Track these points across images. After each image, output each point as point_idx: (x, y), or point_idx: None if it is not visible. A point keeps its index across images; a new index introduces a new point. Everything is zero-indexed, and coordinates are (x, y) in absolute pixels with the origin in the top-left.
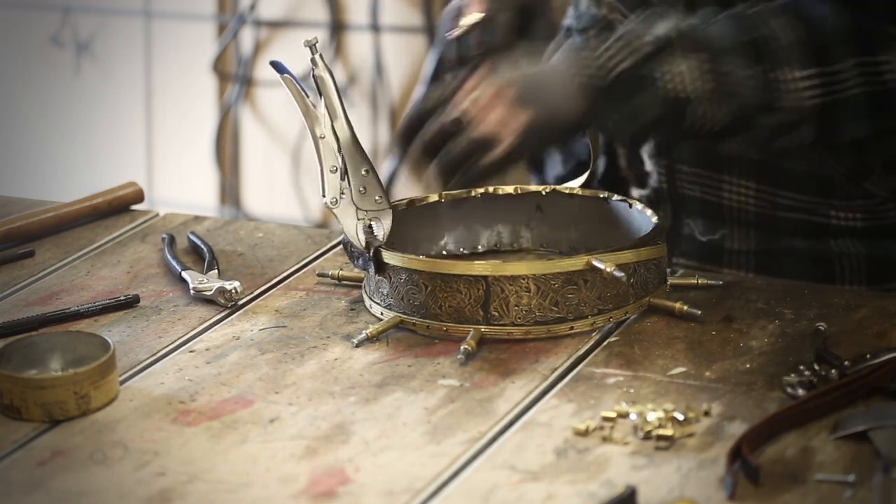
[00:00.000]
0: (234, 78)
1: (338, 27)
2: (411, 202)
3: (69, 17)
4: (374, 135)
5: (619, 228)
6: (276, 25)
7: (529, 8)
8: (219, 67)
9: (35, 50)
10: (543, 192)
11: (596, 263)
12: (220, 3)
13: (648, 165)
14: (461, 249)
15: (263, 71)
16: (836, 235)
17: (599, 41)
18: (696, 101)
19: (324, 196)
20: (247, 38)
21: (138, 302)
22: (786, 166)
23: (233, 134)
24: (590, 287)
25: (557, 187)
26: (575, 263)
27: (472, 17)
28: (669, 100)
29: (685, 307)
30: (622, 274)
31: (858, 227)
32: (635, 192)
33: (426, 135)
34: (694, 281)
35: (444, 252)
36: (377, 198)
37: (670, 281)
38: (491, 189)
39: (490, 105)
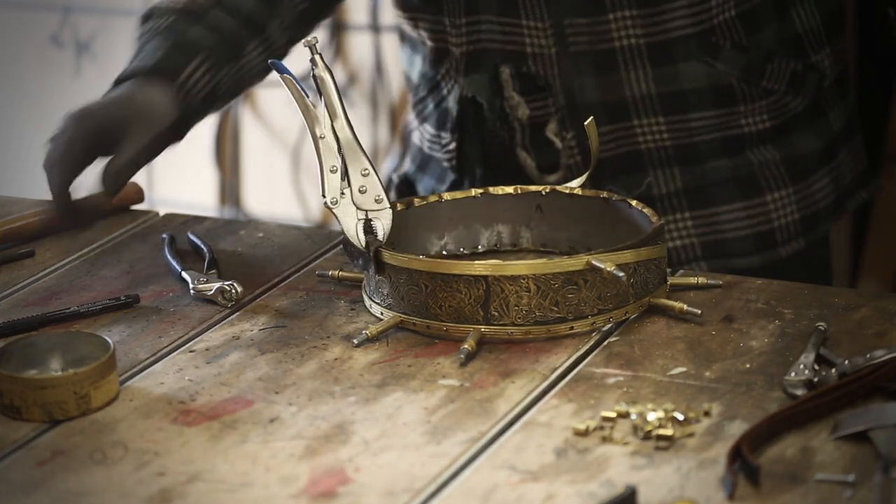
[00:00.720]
0: None
1: (338, 27)
2: (411, 202)
3: (69, 17)
4: (374, 135)
5: (619, 228)
6: None
7: (104, 132)
8: None
9: (35, 50)
10: (543, 192)
11: (596, 263)
12: None
13: (558, 144)
14: (461, 249)
15: None
16: (751, 144)
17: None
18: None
19: (324, 196)
20: None
21: (138, 302)
22: (685, 88)
23: (233, 134)
24: (590, 287)
25: (557, 187)
26: (575, 263)
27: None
28: None
29: (685, 307)
30: (622, 274)
31: (767, 128)
32: (546, 180)
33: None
34: (694, 281)
35: (444, 252)
36: (377, 198)
37: (670, 281)
38: (491, 189)
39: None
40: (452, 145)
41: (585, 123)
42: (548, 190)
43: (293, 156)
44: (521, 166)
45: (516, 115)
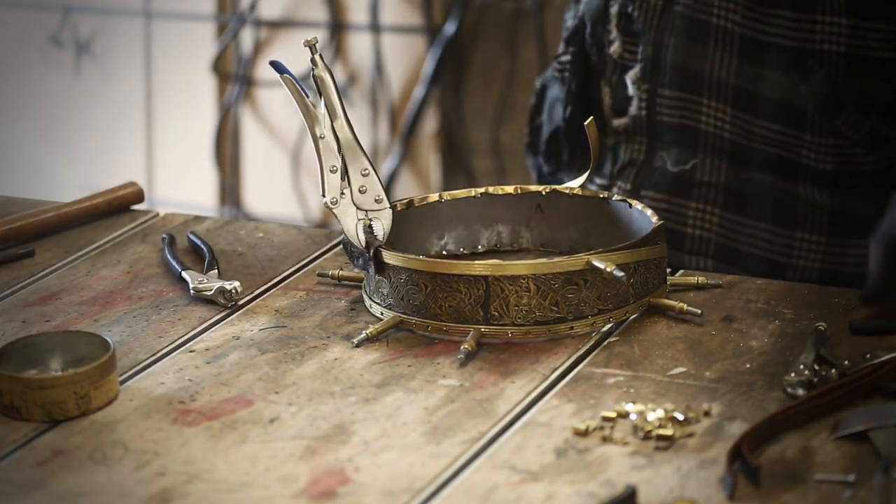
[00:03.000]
0: (234, 78)
1: (338, 27)
2: (411, 202)
3: (69, 17)
4: (374, 135)
5: (619, 228)
6: (276, 25)
7: None
8: (219, 67)
9: (35, 50)
10: (543, 192)
11: (596, 263)
12: (220, 3)
13: (631, 90)
14: (461, 249)
15: (263, 71)
16: (804, 178)
17: None
18: None
19: (324, 196)
20: (247, 38)
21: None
22: (761, 93)
23: (233, 134)
24: (590, 287)
25: (557, 187)
26: (575, 263)
27: None
28: None
29: (685, 307)
30: (622, 274)
31: (827, 171)
32: (614, 122)
33: None
34: (694, 281)
35: (444, 252)
36: (377, 198)
37: (670, 281)
38: (491, 189)
39: None
40: (565, 57)
41: (585, 123)
42: (548, 190)
43: (293, 156)
44: (600, 99)
45: (608, 50)
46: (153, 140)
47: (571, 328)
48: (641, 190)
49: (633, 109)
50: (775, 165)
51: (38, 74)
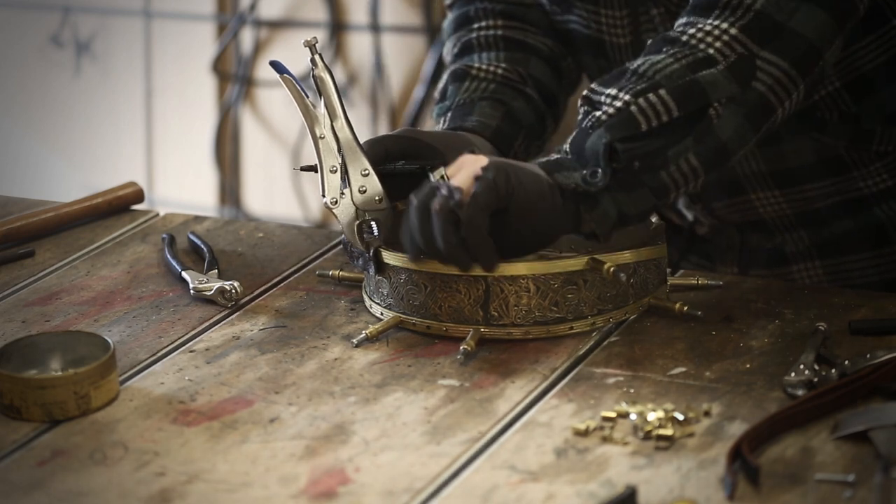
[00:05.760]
0: (234, 78)
1: (338, 27)
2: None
3: (69, 17)
4: (374, 135)
5: None
6: (276, 25)
7: None
8: (219, 67)
9: (35, 50)
10: None
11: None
12: (220, 3)
13: (689, 216)
14: None
15: (263, 71)
16: (875, 202)
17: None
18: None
19: (324, 196)
20: (247, 38)
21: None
22: (794, 164)
23: (233, 134)
24: (590, 287)
25: None
26: (575, 263)
27: None
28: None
29: (685, 307)
30: (623, 274)
31: (890, 186)
32: (700, 230)
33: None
34: (694, 281)
35: None
36: (377, 198)
37: (670, 281)
38: None
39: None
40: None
41: None
42: None
43: (293, 156)
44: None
45: None
46: (153, 140)
47: (571, 328)
48: (749, 269)
49: (704, 220)
50: (846, 208)
51: (38, 74)
